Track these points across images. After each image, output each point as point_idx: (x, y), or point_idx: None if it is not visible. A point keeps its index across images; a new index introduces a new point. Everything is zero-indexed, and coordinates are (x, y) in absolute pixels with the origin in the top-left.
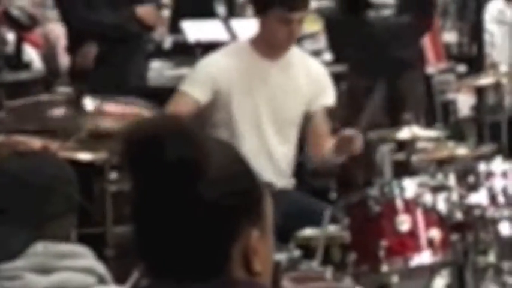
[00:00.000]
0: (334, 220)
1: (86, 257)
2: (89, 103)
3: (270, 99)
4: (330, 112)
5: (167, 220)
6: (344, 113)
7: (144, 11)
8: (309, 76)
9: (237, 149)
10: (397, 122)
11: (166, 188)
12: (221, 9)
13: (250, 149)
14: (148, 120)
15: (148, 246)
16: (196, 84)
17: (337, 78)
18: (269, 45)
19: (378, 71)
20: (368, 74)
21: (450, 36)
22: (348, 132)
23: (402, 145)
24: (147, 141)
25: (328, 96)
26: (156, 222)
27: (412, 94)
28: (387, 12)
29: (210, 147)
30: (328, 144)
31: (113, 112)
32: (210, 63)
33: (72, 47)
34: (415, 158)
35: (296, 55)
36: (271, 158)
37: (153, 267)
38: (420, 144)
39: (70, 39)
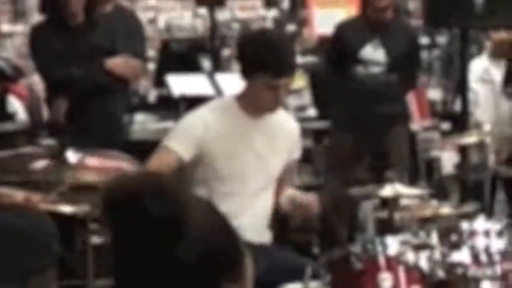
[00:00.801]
0: (316, 276)
1: None
2: (72, 156)
3: (255, 157)
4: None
5: (145, 278)
6: (327, 168)
7: (113, 63)
8: (288, 132)
9: (217, 208)
10: (382, 178)
11: (145, 247)
12: (206, 64)
13: (232, 207)
14: (129, 176)
15: None
16: (181, 141)
17: (321, 133)
18: (254, 107)
19: (365, 127)
20: (354, 130)
21: (435, 94)
22: (303, 199)
23: (385, 202)
24: (127, 199)
25: (297, 151)
26: (135, 279)
27: (397, 150)
28: (376, 70)
29: (190, 207)
30: (286, 192)
31: (95, 166)
32: (195, 119)
33: (49, 101)
34: (397, 216)
35: (276, 113)
36: (255, 215)
37: None
38: (403, 202)
39: (47, 93)
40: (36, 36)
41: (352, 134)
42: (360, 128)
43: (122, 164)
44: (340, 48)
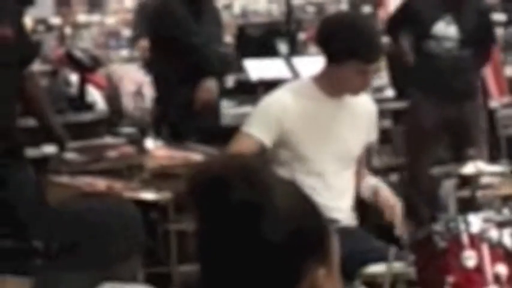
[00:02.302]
0: (399, 257)
1: None
2: (150, 144)
3: (336, 137)
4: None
5: (232, 260)
6: (408, 150)
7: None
8: (367, 113)
9: (300, 187)
10: (461, 155)
11: (231, 229)
12: (283, 48)
13: (315, 187)
14: (214, 160)
15: (213, 286)
16: (260, 126)
17: (400, 114)
18: (339, 90)
19: (442, 103)
20: (432, 107)
21: None
22: (386, 202)
23: (466, 180)
24: (213, 182)
25: (375, 132)
26: (221, 263)
27: (475, 126)
28: (449, 45)
29: (274, 188)
30: (368, 179)
31: (163, 155)
32: (274, 102)
33: (185, 81)
34: (479, 194)
35: None
36: (337, 196)
37: None
38: (485, 180)
39: (183, 73)
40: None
41: (430, 111)
42: (438, 104)
43: (190, 155)
44: (411, 21)
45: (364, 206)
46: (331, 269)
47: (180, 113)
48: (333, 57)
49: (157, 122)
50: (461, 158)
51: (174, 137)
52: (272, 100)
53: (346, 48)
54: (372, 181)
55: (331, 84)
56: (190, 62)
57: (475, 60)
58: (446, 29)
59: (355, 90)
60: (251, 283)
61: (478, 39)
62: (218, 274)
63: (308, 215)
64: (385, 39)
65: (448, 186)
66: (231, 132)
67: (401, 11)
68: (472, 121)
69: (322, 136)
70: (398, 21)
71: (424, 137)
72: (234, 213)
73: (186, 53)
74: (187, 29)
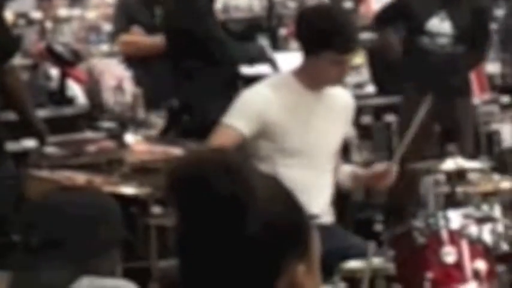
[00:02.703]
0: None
1: None
2: (130, 139)
3: (316, 131)
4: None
5: (211, 255)
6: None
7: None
8: (344, 106)
9: (281, 182)
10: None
11: (211, 224)
12: (264, 43)
13: (296, 180)
14: (193, 155)
15: (193, 280)
16: (242, 117)
17: (380, 110)
18: (317, 82)
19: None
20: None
21: (493, 67)
22: (380, 167)
23: (447, 176)
24: (192, 176)
25: (351, 126)
26: (200, 257)
27: (465, 123)
28: (443, 41)
29: (255, 182)
30: (344, 168)
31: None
32: (256, 95)
33: None
34: (460, 190)
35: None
36: (317, 190)
37: None
38: (465, 176)
39: None
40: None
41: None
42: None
43: (170, 149)
44: (404, 16)
45: (342, 202)
46: (311, 266)
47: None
48: (309, 48)
49: (176, 112)
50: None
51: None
52: (254, 93)
53: (321, 39)
54: (347, 168)
55: (310, 77)
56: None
57: (469, 57)
58: (440, 25)
59: (332, 81)
60: (230, 278)
61: (473, 36)
62: (197, 268)
63: (289, 210)
64: (366, 35)
65: (428, 182)
66: (211, 126)
67: (394, 5)
68: (463, 118)
69: (302, 129)
70: (388, 16)
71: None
72: (214, 207)
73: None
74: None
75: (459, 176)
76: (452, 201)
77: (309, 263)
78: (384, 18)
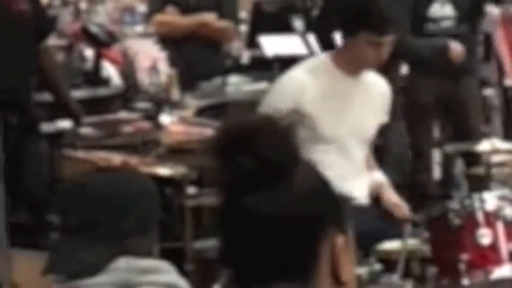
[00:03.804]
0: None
1: (169, 273)
2: (166, 119)
3: (354, 116)
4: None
5: (257, 218)
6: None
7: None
8: (380, 94)
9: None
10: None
11: (257, 184)
12: (298, 24)
13: (333, 164)
14: (244, 119)
15: (236, 249)
16: (277, 106)
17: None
18: (355, 65)
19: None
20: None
21: None
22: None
23: (481, 158)
24: (241, 140)
25: (387, 114)
26: (245, 221)
27: (474, 102)
28: (447, 24)
29: (299, 153)
30: (375, 175)
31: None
32: (292, 82)
33: None
34: (494, 171)
35: (368, 72)
36: (355, 174)
37: (240, 272)
38: (499, 157)
39: None
40: None
41: (427, 88)
42: (435, 81)
43: (206, 130)
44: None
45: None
46: (348, 243)
47: None
48: (347, 30)
49: None
50: (464, 135)
51: None
52: (290, 80)
53: (358, 20)
54: (377, 176)
55: (347, 60)
56: None
57: (472, 36)
58: (442, 9)
59: (370, 64)
60: (275, 242)
61: (474, 15)
62: (241, 235)
63: (328, 187)
64: None
65: (461, 164)
66: (246, 108)
67: None
68: (470, 97)
69: (339, 114)
70: None
71: (422, 113)
72: (261, 167)
73: None
74: None
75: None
76: (486, 183)
77: (346, 240)
78: None
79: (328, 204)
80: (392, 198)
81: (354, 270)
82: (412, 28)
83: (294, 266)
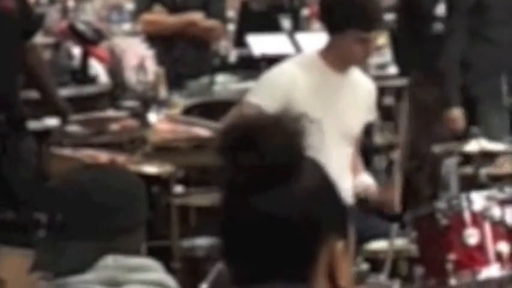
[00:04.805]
0: (401, 234)
1: (156, 271)
2: (153, 117)
3: (339, 112)
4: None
5: (256, 218)
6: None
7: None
8: (367, 92)
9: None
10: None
11: (261, 184)
12: (286, 23)
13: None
14: (249, 116)
15: (235, 248)
16: (265, 95)
17: (402, 91)
18: (343, 61)
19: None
20: (434, 86)
21: None
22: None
23: (469, 158)
24: (245, 137)
25: (373, 113)
26: (247, 219)
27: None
28: None
29: (305, 152)
30: (360, 175)
31: (167, 130)
32: (282, 73)
33: None
34: (483, 172)
35: (354, 70)
36: (339, 173)
37: (239, 272)
38: (487, 157)
39: None
40: None
41: (432, 90)
42: (439, 82)
43: (194, 129)
44: (413, 5)
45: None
46: (347, 247)
47: None
48: (334, 27)
49: None
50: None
51: None
52: (280, 71)
53: (344, 17)
54: (364, 179)
55: (335, 56)
56: None
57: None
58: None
59: (357, 60)
60: (274, 243)
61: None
62: (241, 232)
63: (333, 189)
64: (389, 16)
65: (450, 164)
66: (233, 107)
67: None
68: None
69: (326, 110)
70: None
71: (425, 114)
72: (265, 168)
73: None
74: None
75: (482, 157)
76: (475, 184)
77: (346, 244)
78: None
79: (332, 209)
80: (380, 197)
81: (351, 278)
82: (419, 26)
83: (293, 267)
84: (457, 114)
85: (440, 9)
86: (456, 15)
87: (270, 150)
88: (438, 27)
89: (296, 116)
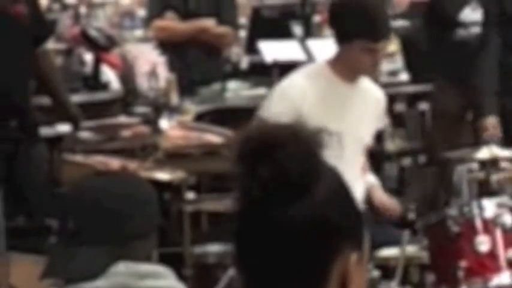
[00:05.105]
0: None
1: (168, 277)
2: (165, 124)
3: (351, 123)
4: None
5: (272, 228)
6: (431, 134)
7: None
8: (377, 101)
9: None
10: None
11: (278, 195)
12: (297, 30)
13: None
14: (267, 126)
15: (249, 257)
16: (277, 110)
17: (414, 98)
18: (352, 71)
19: (467, 88)
20: (458, 92)
21: None
22: (392, 205)
23: (482, 165)
24: (264, 147)
25: (383, 121)
26: (259, 229)
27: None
28: (476, 30)
29: (322, 163)
30: (367, 180)
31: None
32: (292, 87)
33: None
34: (494, 178)
35: (363, 78)
36: (352, 181)
37: (252, 280)
38: (500, 164)
39: None
40: None
41: (454, 97)
42: (461, 89)
43: (205, 135)
44: (437, 11)
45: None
46: (361, 260)
47: None
48: (342, 37)
49: None
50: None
51: None
52: (290, 85)
53: (353, 27)
54: (368, 178)
55: (344, 66)
56: None
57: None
58: (473, 15)
59: (366, 70)
60: (287, 255)
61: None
62: (255, 242)
63: (350, 200)
64: (400, 23)
65: (462, 171)
66: (245, 113)
67: (427, 3)
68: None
69: (337, 120)
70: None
71: (448, 121)
72: (281, 178)
73: None
74: None
75: (494, 164)
76: (487, 190)
77: (360, 256)
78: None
79: (348, 220)
80: (383, 198)
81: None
82: (442, 32)
83: (306, 276)
84: (492, 122)
85: (464, 15)
86: (490, 25)
87: (288, 163)
88: (462, 32)
89: (315, 129)
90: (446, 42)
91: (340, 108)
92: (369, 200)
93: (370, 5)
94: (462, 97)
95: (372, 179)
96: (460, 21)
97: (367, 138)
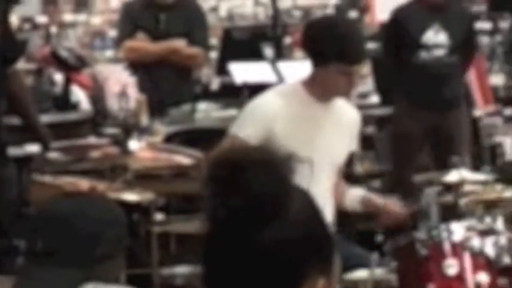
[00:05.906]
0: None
1: None
2: (134, 145)
3: (323, 145)
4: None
5: (239, 251)
6: (392, 157)
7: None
8: (351, 121)
9: (312, 197)
10: (443, 163)
11: (244, 219)
12: (268, 52)
13: None
14: (235, 148)
15: (217, 279)
16: (248, 127)
17: (384, 120)
18: (327, 93)
19: (429, 111)
20: (418, 115)
21: (497, 79)
22: (390, 206)
23: (449, 188)
24: (232, 170)
25: (356, 142)
26: (227, 252)
27: (459, 133)
28: (439, 53)
29: (292, 188)
30: (351, 191)
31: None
32: (264, 104)
33: None
34: (462, 201)
35: (337, 99)
36: (323, 202)
37: None
38: (468, 187)
39: None
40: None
41: (416, 120)
42: (423, 112)
43: (175, 156)
44: (400, 33)
45: (344, 213)
46: (330, 282)
47: None
48: (318, 60)
49: None
50: (443, 166)
51: None
52: (262, 102)
53: (329, 50)
54: (357, 192)
55: (318, 87)
56: None
57: (462, 66)
58: (435, 37)
59: (341, 92)
60: (253, 279)
61: (465, 45)
62: (222, 266)
63: (319, 222)
64: (371, 45)
65: (430, 194)
66: (214, 134)
67: (388, 26)
68: (456, 129)
69: (310, 141)
70: (391, 45)
71: (408, 144)
72: (250, 202)
73: None
74: None
75: (461, 187)
76: (454, 213)
77: (329, 279)
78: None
79: (317, 245)
80: (384, 200)
81: None
82: (404, 55)
83: None
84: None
85: (427, 37)
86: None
87: (257, 187)
88: (424, 55)
89: (285, 154)
90: (409, 65)
91: (312, 128)
92: (367, 208)
93: (346, 28)
94: (424, 120)
95: (360, 190)
96: (422, 44)
97: (340, 158)
